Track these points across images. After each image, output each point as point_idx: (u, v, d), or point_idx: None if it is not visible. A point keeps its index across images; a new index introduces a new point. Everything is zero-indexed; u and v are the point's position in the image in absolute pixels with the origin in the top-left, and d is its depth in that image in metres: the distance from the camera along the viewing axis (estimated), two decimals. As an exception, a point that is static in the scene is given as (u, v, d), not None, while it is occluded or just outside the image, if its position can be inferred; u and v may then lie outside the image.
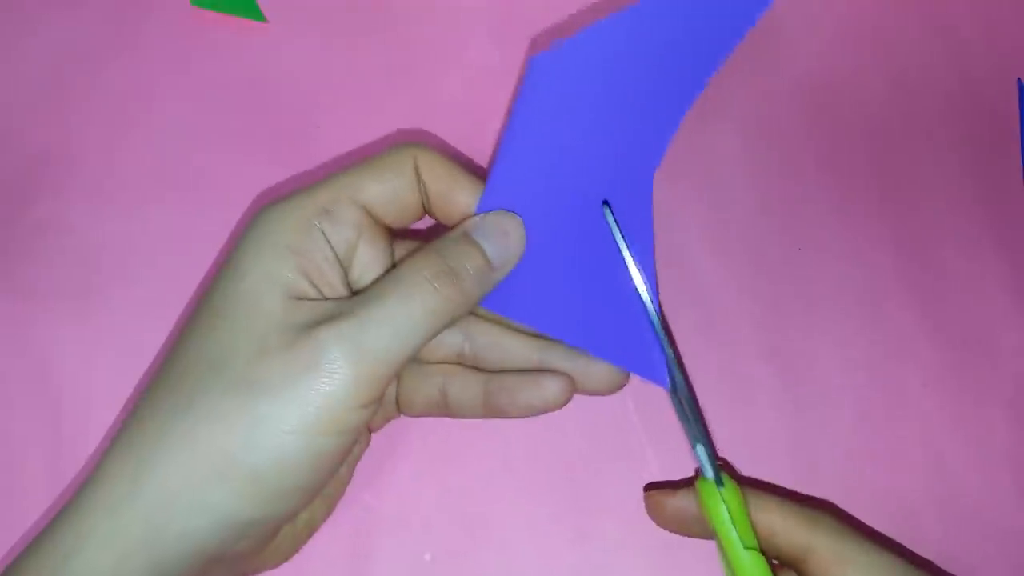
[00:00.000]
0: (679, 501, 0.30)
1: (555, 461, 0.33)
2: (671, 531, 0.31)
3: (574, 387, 0.29)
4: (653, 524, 0.32)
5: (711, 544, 0.30)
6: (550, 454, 0.33)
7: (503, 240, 0.27)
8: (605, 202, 0.28)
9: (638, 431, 0.33)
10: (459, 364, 0.30)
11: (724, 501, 0.28)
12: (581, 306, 0.28)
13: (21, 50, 0.38)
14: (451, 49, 0.38)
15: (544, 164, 0.27)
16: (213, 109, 0.37)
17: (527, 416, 0.29)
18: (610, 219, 0.28)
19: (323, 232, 0.26)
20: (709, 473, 0.28)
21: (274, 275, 0.24)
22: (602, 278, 0.29)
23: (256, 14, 0.38)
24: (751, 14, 0.27)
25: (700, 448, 0.29)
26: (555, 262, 0.28)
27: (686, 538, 0.31)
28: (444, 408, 0.30)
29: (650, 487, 0.32)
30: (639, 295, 0.29)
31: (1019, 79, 0.38)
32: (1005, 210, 0.37)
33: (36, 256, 0.35)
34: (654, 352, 0.29)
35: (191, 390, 0.23)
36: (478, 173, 0.28)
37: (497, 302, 0.28)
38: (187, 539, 0.23)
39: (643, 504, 0.32)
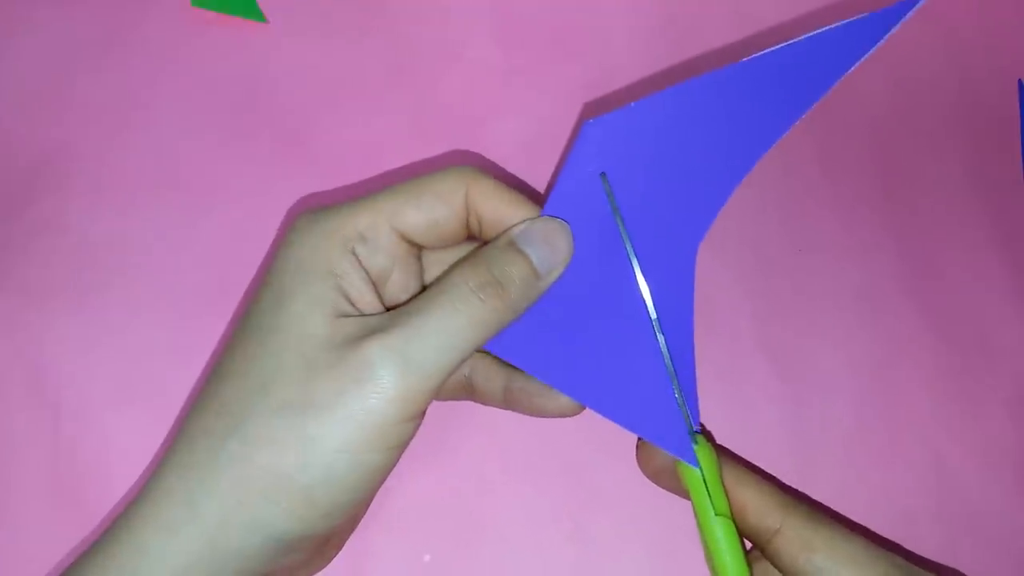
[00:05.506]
0: (668, 455, 0.30)
1: (554, 461, 0.33)
2: (658, 484, 0.30)
3: None
4: (651, 520, 0.32)
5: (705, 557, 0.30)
6: (549, 454, 0.33)
7: (550, 247, 0.26)
8: (603, 174, 0.27)
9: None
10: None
11: (697, 461, 0.27)
12: (608, 374, 0.28)
13: (21, 50, 0.38)
14: (451, 49, 0.38)
15: (585, 228, 0.27)
16: (213, 109, 0.37)
17: (541, 417, 0.29)
18: (608, 192, 0.27)
19: (358, 257, 0.26)
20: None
21: (317, 296, 0.25)
22: (631, 348, 0.28)
23: (256, 14, 0.38)
24: (808, 97, 0.27)
25: (672, 380, 0.28)
26: (586, 327, 0.28)
27: (684, 538, 0.31)
28: (471, 393, 0.30)
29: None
30: (664, 365, 0.28)
31: (1019, 79, 0.38)
32: (1005, 210, 0.37)
33: (34, 255, 0.35)
34: (681, 427, 0.28)
35: (241, 411, 0.24)
36: (533, 197, 0.28)
37: (528, 361, 0.27)
38: (243, 556, 0.23)
39: (642, 504, 0.32)
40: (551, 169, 0.37)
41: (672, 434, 0.28)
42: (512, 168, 0.37)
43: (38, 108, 0.37)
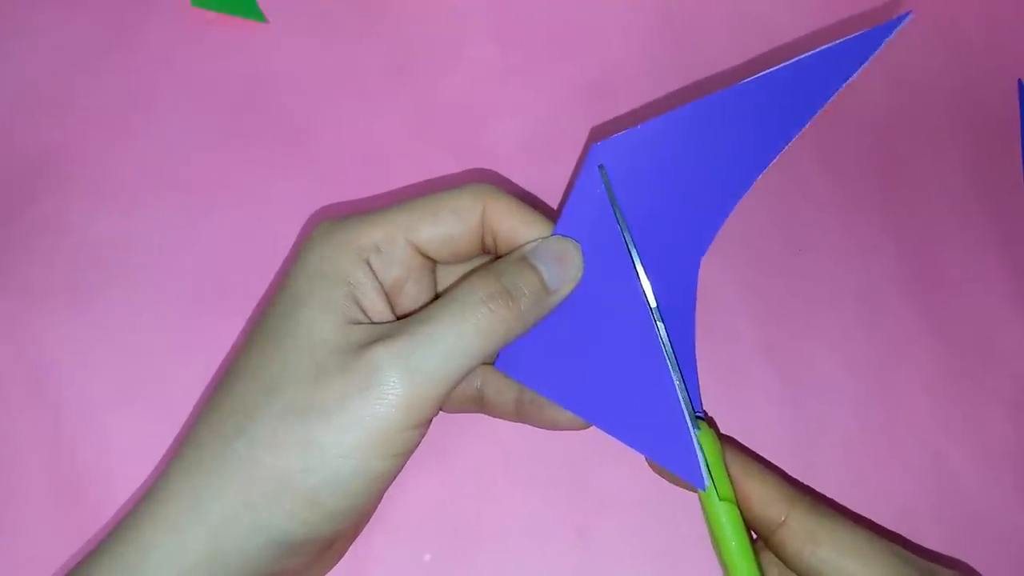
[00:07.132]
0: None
1: (555, 461, 0.33)
2: (664, 477, 0.30)
3: None
4: (654, 524, 0.32)
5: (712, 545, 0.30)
6: (550, 454, 0.33)
7: (560, 264, 0.27)
8: (601, 166, 0.27)
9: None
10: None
11: (700, 447, 0.28)
12: (614, 392, 0.28)
13: (21, 50, 0.38)
14: (451, 49, 0.38)
15: (593, 250, 0.28)
16: (213, 109, 0.37)
17: (553, 430, 0.29)
18: (606, 183, 0.28)
19: (372, 267, 0.26)
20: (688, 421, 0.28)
21: (330, 302, 0.25)
22: (637, 365, 0.28)
23: (256, 14, 0.38)
24: (803, 115, 0.27)
25: (680, 399, 0.28)
26: (593, 345, 0.28)
27: (689, 547, 0.31)
28: (481, 405, 0.30)
29: None
30: (673, 384, 0.28)
31: (1019, 79, 0.38)
32: (1005, 210, 0.37)
33: (35, 255, 0.35)
34: (689, 450, 0.28)
35: (250, 413, 0.24)
36: (549, 215, 0.28)
37: (535, 378, 0.28)
38: (246, 557, 0.23)
39: (646, 510, 0.32)
40: (550, 168, 0.37)
41: (678, 454, 0.28)
42: (511, 168, 0.37)
43: (39, 109, 0.37)
